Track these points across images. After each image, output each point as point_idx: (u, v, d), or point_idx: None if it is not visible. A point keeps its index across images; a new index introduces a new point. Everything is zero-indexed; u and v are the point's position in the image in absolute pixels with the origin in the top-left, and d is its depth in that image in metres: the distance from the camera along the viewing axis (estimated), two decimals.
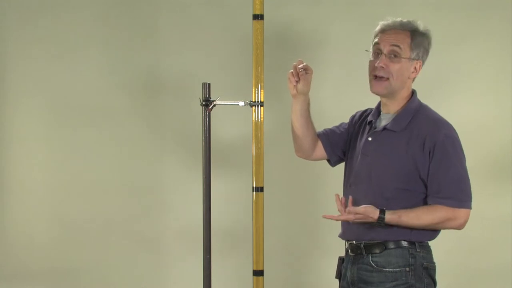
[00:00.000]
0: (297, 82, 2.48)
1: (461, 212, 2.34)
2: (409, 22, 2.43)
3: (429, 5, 3.59)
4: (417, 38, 2.42)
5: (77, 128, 3.65)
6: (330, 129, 2.68)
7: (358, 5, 3.62)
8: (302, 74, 2.47)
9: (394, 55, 2.40)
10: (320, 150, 2.67)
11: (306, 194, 3.68)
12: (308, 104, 2.58)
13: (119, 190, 3.66)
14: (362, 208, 2.34)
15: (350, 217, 2.35)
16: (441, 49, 3.51)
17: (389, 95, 2.45)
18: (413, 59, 2.42)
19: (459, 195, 2.34)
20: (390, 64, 2.40)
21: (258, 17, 2.58)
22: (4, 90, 3.64)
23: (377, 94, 2.47)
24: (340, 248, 2.60)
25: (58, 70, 3.64)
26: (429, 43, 2.45)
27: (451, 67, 3.59)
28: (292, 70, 2.48)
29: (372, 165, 2.43)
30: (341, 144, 2.64)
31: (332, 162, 2.70)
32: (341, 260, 2.53)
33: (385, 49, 2.41)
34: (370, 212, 2.33)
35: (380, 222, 2.32)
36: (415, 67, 2.43)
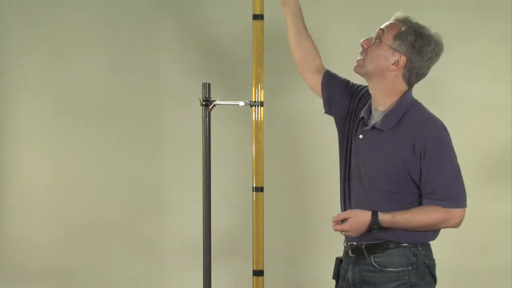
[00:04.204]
0: None
1: (457, 212, 2.32)
2: (404, 17, 2.42)
3: (429, 5, 3.59)
4: (405, 30, 2.37)
5: (76, 128, 3.64)
6: (334, 75, 2.66)
7: (358, 5, 3.62)
8: None
9: (379, 40, 2.40)
10: (317, 80, 2.65)
11: (306, 194, 3.68)
12: (299, 9, 2.63)
13: (119, 190, 3.66)
14: (347, 212, 2.35)
15: (339, 227, 2.34)
16: None
17: (365, 76, 2.44)
18: (393, 48, 2.37)
19: (453, 196, 2.32)
20: (370, 46, 2.41)
21: (258, 17, 2.58)
22: (4, 90, 3.64)
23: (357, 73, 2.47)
24: (341, 248, 2.60)
25: (58, 70, 3.63)
26: (416, 40, 2.36)
27: (451, 67, 3.59)
28: None
29: (363, 166, 2.40)
30: (337, 98, 2.59)
31: (324, 103, 2.65)
32: (339, 260, 2.51)
33: (375, 33, 2.43)
34: (359, 214, 2.32)
35: (375, 220, 2.30)
36: (397, 60, 2.37)
